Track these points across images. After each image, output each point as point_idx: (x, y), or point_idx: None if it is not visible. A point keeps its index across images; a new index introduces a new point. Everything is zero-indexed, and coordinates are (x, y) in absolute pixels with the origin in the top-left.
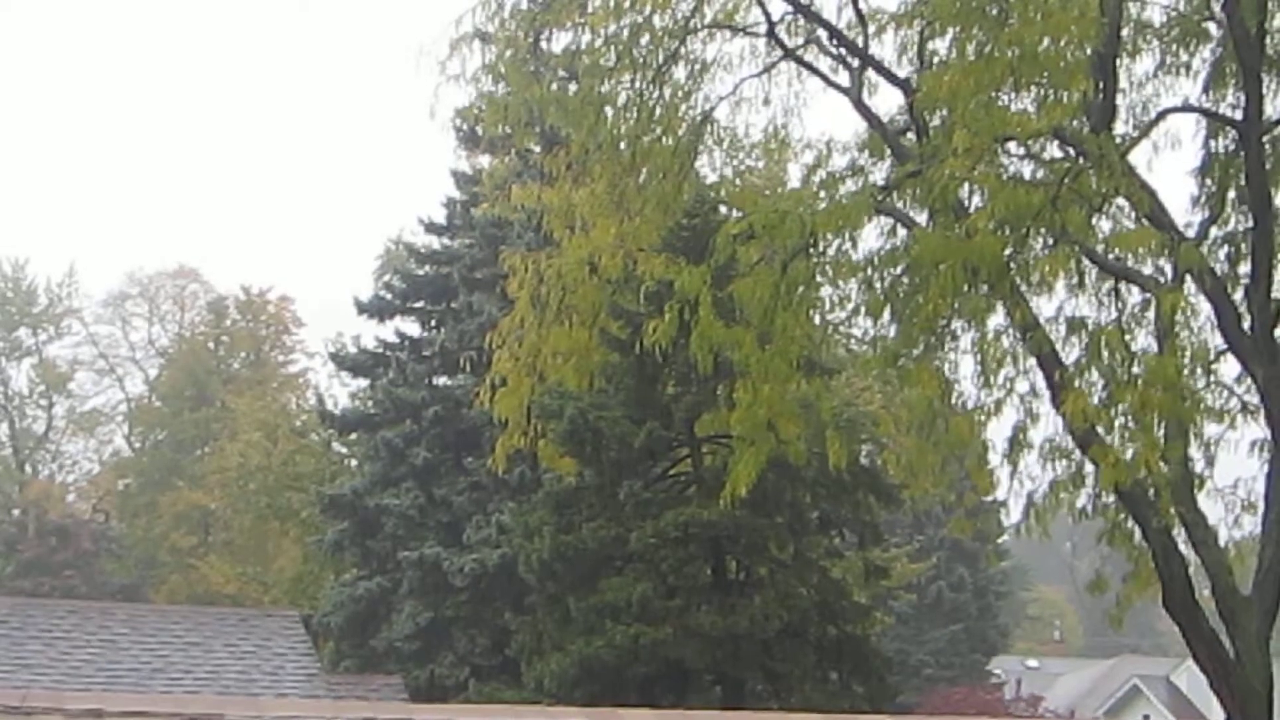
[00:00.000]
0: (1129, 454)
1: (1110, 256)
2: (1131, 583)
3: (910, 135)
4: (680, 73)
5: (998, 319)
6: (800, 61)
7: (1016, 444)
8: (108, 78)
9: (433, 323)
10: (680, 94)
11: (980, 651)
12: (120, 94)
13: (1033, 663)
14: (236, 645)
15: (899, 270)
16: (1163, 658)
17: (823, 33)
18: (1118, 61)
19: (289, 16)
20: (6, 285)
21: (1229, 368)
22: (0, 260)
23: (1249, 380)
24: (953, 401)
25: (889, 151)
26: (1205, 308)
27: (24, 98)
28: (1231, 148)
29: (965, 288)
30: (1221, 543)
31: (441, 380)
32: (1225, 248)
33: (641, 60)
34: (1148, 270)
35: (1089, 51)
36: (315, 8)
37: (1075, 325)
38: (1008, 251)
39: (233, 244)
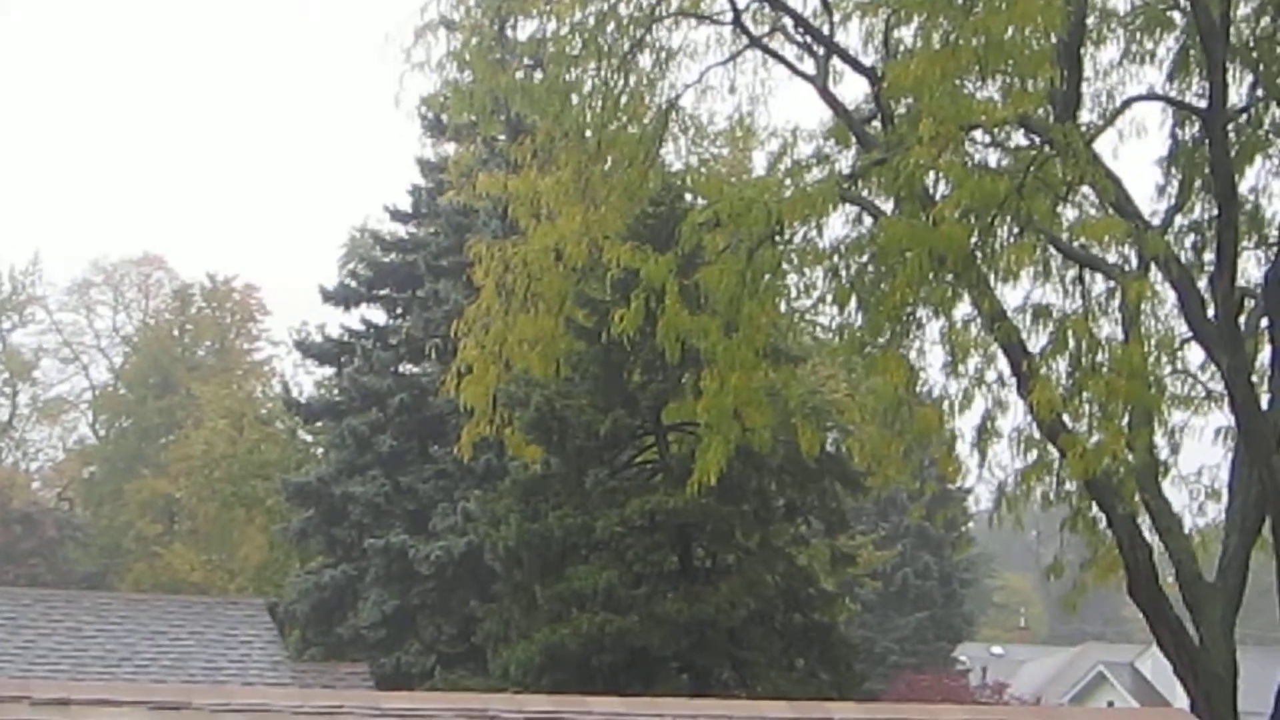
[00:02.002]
0: (1095, 442)
1: (1076, 245)
2: (1090, 568)
3: (876, 123)
4: (646, 61)
5: (964, 307)
6: (766, 49)
7: (985, 432)
8: (71, 66)
9: (398, 310)
10: (646, 82)
11: (946, 639)
12: (84, 81)
13: (998, 650)
14: (202, 633)
15: (865, 258)
16: (1127, 644)
17: (788, 21)
18: (1083, 50)
19: (254, 3)
20: None
21: (1194, 355)
22: None
23: (1213, 367)
24: (918, 390)
25: (855, 139)
26: (1170, 296)
27: None
28: (1197, 136)
29: (931, 276)
30: (1185, 530)
31: (407, 368)
32: (1190, 236)
33: (607, 48)
34: (1113, 258)
35: (1054, 40)
36: None
37: (1041, 313)
38: (974, 239)
39: (198, 232)
